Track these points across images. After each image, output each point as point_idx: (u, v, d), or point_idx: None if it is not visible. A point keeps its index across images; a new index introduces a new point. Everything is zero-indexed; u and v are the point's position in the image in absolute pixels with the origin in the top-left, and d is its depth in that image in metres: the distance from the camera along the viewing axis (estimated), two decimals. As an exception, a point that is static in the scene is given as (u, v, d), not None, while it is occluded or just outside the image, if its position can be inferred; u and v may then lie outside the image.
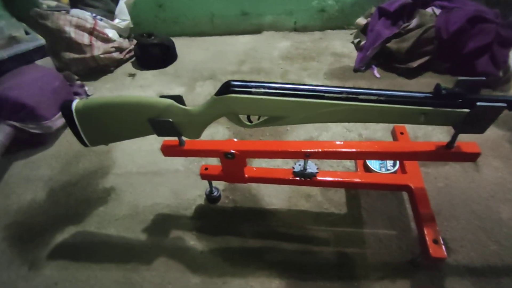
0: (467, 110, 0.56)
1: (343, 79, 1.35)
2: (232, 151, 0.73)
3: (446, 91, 0.57)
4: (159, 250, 0.84)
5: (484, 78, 0.56)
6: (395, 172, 0.83)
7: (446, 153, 0.66)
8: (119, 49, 1.59)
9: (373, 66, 1.38)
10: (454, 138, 0.64)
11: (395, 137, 0.91)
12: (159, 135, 0.69)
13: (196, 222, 0.89)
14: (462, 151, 0.65)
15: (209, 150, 0.75)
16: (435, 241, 0.66)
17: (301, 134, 1.11)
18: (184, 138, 0.73)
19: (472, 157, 0.66)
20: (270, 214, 0.88)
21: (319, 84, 0.58)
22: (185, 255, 0.82)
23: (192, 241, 0.85)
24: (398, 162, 0.84)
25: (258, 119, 0.65)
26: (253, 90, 0.58)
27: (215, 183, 0.93)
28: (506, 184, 0.90)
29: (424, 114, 0.58)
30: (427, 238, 0.66)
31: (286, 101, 0.58)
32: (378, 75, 1.35)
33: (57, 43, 1.45)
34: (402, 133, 0.90)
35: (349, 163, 0.98)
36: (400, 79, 1.34)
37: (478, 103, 0.54)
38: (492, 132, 1.05)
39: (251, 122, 0.66)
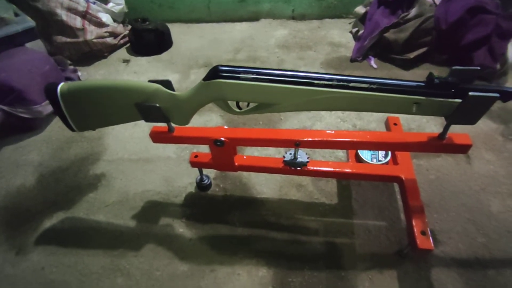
0: (460, 100, 0.55)
1: (339, 69, 1.33)
2: (221, 138, 0.71)
3: (438, 80, 0.55)
4: (148, 237, 0.83)
5: (478, 68, 0.55)
6: (386, 163, 0.82)
7: (438, 144, 0.65)
8: (113, 34, 1.56)
9: (370, 57, 1.36)
10: (446, 129, 0.63)
11: (388, 128, 0.91)
12: (146, 120, 0.68)
13: (186, 209, 0.89)
14: (454, 143, 0.64)
15: (198, 137, 0.73)
16: (423, 233, 0.65)
17: (294, 124, 1.10)
18: (173, 125, 0.72)
19: (463, 149, 0.65)
20: (260, 203, 0.88)
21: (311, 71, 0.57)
22: (174, 242, 0.82)
23: (181, 228, 0.84)
24: (389, 153, 0.84)
25: (248, 106, 0.64)
26: (241, 75, 0.57)
27: (206, 171, 0.92)
28: (497, 177, 0.90)
29: (416, 103, 0.57)
30: (415, 230, 0.66)
31: (275, 88, 0.56)
32: (375, 66, 1.33)
33: (49, 26, 1.42)
34: (395, 124, 0.89)
35: (341, 154, 0.97)
36: (396, 70, 1.32)
37: (470, 93, 0.53)
38: (485, 125, 1.05)
39: (240, 108, 0.65)
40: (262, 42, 1.55)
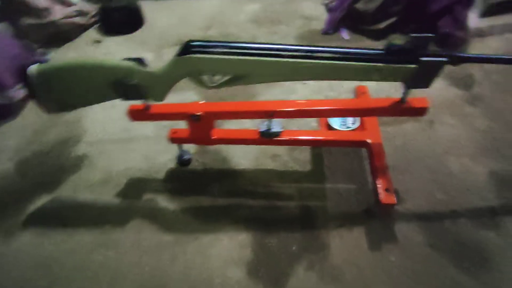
0: (415, 66, 0.60)
1: (311, 42, 1.36)
2: (198, 113, 0.74)
3: (395, 47, 0.60)
4: (132, 212, 0.87)
5: (432, 35, 0.59)
6: (355, 129, 0.88)
7: (399, 108, 0.70)
8: (82, 14, 1.51)
9: (342, 28, 1.39)
10: (405, 93, 0.68)
11: (357, 97, 0.95)
12: (122, 98, 0.69)
13: (168, 184, 0.92)
14: (413, 106, 0.70)
15: (175, 113, 0.76)
16: (387, 190, 0.72)
17: (269, 97, 1.13)
18: (150, 103, 0.74)
19: (421, 111, 0.71)
20: (238, 174, 0.92)
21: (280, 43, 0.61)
22: (158, 215, 0.85)
23: (164, 202, 0.88)
24: (358, 120, 0.89)
25: (220, 80, 0.67)
26: (212, 49, 0.59)
27: (185, 147, 0.95)
28: (459, 141, 0.97)
29: (377, 70, 0.62)
30: (379, 188, 0.72)
31: (244, 60, 0.59)
32: (347, 37, 1.36)
33: (11, 7, 1.36)
34: (363, 93, 0.94)
35: (314, 124, 1.02)
36: (368, 41, 1.36)
37: (422, 58, 0.57)
38: (450, 91, 1.11)
39: (214, 82, 0.67)
40: (233, 18, 1.55)
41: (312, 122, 1.03)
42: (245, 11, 1.58)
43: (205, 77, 0.66)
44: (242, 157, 0.96)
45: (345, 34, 1.37)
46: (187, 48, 0.59)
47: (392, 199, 0.70)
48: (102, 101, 0.72)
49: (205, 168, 0.95)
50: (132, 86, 0.65)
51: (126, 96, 0.69)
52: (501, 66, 1.14)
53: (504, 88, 1.10)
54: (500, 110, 1.04)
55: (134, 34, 1.50)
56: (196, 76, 0.63)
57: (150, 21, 1.57)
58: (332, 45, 0.61)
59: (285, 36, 1.41)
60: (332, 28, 1.38)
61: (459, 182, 0.87)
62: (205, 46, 0.59)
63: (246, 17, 1.54)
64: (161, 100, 0.70)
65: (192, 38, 0.62)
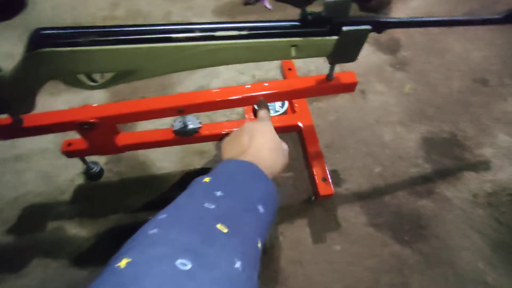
0: (336, 37, 0.51)
1: (232, 15, 1.22)
2: (90, 120, 0.59)
3: (312, 16, 0.50)
4: (33, 250, 0.70)
5: (351, 0, 0.51)
6: (284, 112, 0.79)
7: (326, 86, 0.62)
8: None
9: (264, -2, 1.26)
10: (331, 69, 0.60)
11: (283, 74, 0.86)
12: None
13: (77, 206, 0.76)
14: (341, 82, 0.62)
15: (58, 124, 0.59)
16: (324, 179, 0.65)
17: (189, 85, 0.99)
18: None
19: (351, 87, 0.64)
20: (162, 180, 0.79)
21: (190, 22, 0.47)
22: (68, 246, 0.70)
23: (74, 229, 0.73)
24: (286, 102, 0.80)
25: (103, 77, 0.52)
26: (75, 39, 0.43)
27: (94, 157, 0.78)
28: (388, 108, 0.95)
29: (294, 46, 0.52)
30: (316, 178, 0.65)
31: (123, 50, 0.45)
32: (269, 6, 1.25)
33: None
34: (290, 69, 0.86)
35: (241, 110, 0.92)
36: (292, 9, 1.26)
37: (344, 28, 0.49)
38: (376, 56, 1.08)
39: (94, 81, 0.52)
40: (143, -7, 1.33)
41: (240, 108, 0.92)
42: (155, -16, 1.37)
43: (82, 76, 0.50)
44: (165, 159, 0.83)
45: (267, 3, 1.25)
46: (38, 40, 0.43)
47: (330, 190, 0.63)
48: None
49: (121, 179, 0.81)
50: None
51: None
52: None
53: (428, 48, 1.10)
54: (423, 71, 1.04)
55: (14, 20, 1.21)
56: (63, 77, 0.47)
57: (34, 1, 1.28)
58: (250, 19, 0.49)
59: (203, 10, 1.25)
60: (253, -3, 1.25)
61: (391, 152, 0.85)
62: (64, 35, 0.43)
63: (157, -9, 1.33)
64: (29, 111, 0.53)
65: (94, 20, 0.46)
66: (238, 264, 0.25)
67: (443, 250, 0.71)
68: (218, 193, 0.32)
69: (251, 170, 0.38)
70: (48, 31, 0.43)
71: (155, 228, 0.27)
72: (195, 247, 0.24)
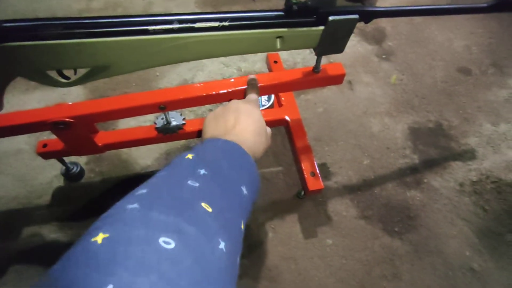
0: (323, 28, 0.49)
1: (216, 6, 1.18)
2: (64, 119, 0.55)
3: (297, 6, 0.48)
4: (8, 259, 0.66)
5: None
6: (271, 106, 0.77)
7: (313, 78, 0.60)
8: None
9: (247, -12, 1.23)
10: (318, 61, 0.58)
11: (269, 67, 0.84)
12: None
13: (56, 209, 0.73)
14: (328, 74, 0.60)
15: (29, 124, 0.55)
16: (312, 174, 0.64)
17: (173, 78, 0.96)
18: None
19: (338, 79, 0.62)
20: (146, 179, 0.76)
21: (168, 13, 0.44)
22: (47, 253, 0.67)
23: (53, 234, 0.69)
24: (272, 95, 0.78)
25: (76, 73, 0.48)
26: (40, 32, 0.40)
27: (73, 157, 0.75)
28: (375, 98, 0.94)
29: (280, 37, 0.49)
30: (304, 172, 0.64)
31: (94, 44, 0.41)
32: (253, -2, 1.21)
33: None
34: (275, 62, 0.83)
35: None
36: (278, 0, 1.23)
37: (330, 18, 0.47)
38: (362, 47, 1.07)
39: (66, 78, 0.48)
40: (121, -17, 1.27)
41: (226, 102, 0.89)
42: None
43: (53, 72, 0.46)
44: (148, 157, 0.80)
45: (251, -6, 1.22)
46: (0, 34, 0.39)
47: (319, 184, 0.62)
48: None
49: (103, 179, 0.77)
50: None
51: None
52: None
53: (412, 38, 1.09)
54: (408, 61, 1.03)
55: (-18, 14, 1.14)
56: (30, 73, 0.44)
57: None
58: (234, 9, 0.47)
59: (184, 1, 1.21)
60: (235, -13, 1.21)
61: (379, 143, 0.85)
62: (27, 28, 0.39)
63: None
64: (-4, 111, 0.49)
65: (71, 12, 0.42)
66: (222, 245, 0.24)
67: (432, 239, 0.71)
68: (202, 171, 0.30)
69: (236, 151, 0.37)
70: (10, 24, 0.39)
71: (135, 203, 0.24)
72: (179, 225, 0.22)
